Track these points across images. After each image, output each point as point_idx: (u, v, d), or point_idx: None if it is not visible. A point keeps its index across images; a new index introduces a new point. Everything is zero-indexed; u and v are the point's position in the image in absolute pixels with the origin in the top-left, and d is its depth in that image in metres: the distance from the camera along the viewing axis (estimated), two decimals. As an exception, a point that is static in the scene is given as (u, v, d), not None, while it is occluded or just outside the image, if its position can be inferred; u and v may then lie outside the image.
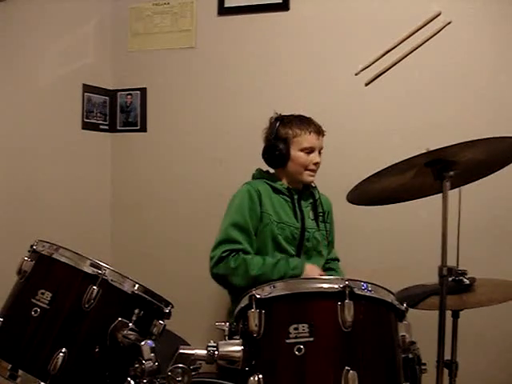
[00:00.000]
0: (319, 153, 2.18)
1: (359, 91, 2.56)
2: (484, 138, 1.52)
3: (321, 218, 2.24)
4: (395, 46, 2.51)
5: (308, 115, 2.21)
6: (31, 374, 1.32)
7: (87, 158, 2.85)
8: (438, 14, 2.46)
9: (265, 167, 2.24)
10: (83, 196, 2.82)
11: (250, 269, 1.98)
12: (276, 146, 2.14)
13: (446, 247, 1.58)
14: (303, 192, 2.22)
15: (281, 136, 2.15)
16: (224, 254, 2.02)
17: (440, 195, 1.61)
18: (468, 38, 2.46)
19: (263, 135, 2.21)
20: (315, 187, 2.26)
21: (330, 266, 2.29)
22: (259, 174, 2.25)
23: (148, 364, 1.32)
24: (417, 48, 2.48)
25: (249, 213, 2.08)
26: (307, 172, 2.15)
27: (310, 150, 2.14)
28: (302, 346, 1.23)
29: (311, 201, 2.23)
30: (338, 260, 2.36)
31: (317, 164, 2.16)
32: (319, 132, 2.17)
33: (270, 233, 2.09)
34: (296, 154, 2.14)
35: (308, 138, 2.14)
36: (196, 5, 2.82)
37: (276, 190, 2.17)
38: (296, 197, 2.19)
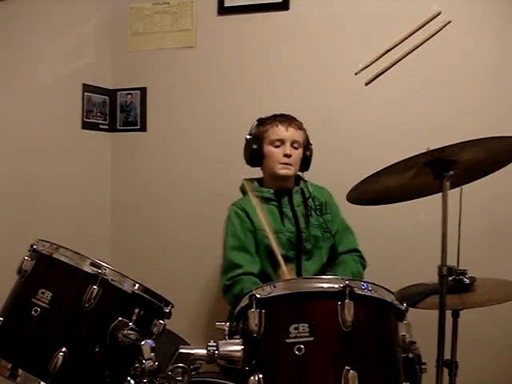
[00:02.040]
0: (294, 146, 2.14)
1: (359, 90, 2.56)
2: (483, 137, 1.52)
3: (318, 211, 2.20)
4: (395, 46, 2.51)
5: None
6: (31, 374, 1.32)
7: (87, 158, 2.85)
8: (438, 14, 2.46)
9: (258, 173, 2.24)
10: (83, 195, 2.81)
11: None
12: (250, 145, 2.16)
13: (446, 247, 1.58)
14: (292, 191, 2.20)
15: (255, 135, 2.17)
16: (228, 283, 2.06)
17: (440, 195, 1.61)
18: (468, 38, 2.46)
19: None
20: (306, 182, 2.24)
21: (340, 260, 2.21)
22: (244, 187, 2.20)
23: (148, 363, 1.32)
24: (417, 47, 2.48)
25: (243, 232, 2.11)
26: (280, 165, 2.13)
27: (279, 143, 2.13)
28: (302, 346, 1.23)
29: (302, 199, 2.20)
30: (354, 251, 2.25)
31: (288, 156, 2.11)
32: (288, 123, 2.13)
33: (264, 247, 2.09)
34: (267, 148, 2.14)
35: (275, 130, 2.13)
36: (196, 4, 2.81)
37: (263, 199, 2.16)
38: (286, 198, 2.18)
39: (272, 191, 2.17)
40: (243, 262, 2.07)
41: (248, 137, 2.19)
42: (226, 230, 2.15)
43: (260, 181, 2.25)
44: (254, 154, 2.16)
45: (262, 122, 2.19)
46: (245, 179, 2.23)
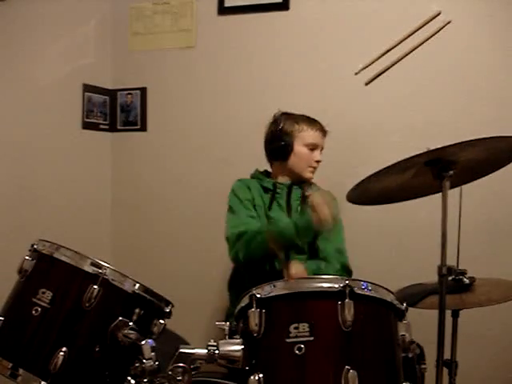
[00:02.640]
0: (320, 152, 2.21)
1: (359, 90, 2.56)
2: (483, 137, 1.52)
3: None
4: (395, 46, 2.51)
5: (308, 114, 2.22)
6: (32, 373, 1.32)
7: (87, 158, 2.85)
8: (438, 14, 2.47)
9: (263, 167, 2.24)
10: (83, 195, 2.82)
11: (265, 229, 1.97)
12: (281, 138, 2.16)
13: (446, 246, 1.58)
14: (292, 186, 2.20)
15: (286, 130, 2.17)
16: (241, 231, 2.02)
17: (439, 195, 1.61)
18: (468, 38, 2.46)
19: (266, 129, 2.22)
20: (309, 183, 2.25)
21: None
22: (254, 174, 2.27)
23: (148, 363, 1.32)
24: (417, 47, 2.48)
25: (245, 199, 2.13)
26: (309, 169, 2.18)
27: (313, 147, 2.17)
28: (302, 346, 1.23)
29: (300, 195, 2.20)
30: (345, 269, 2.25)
31: (318, 162, 2.19)
32: (324, 131, 2.21)
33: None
34: (299, 148, 2.16)
35: (313, 135, 2.18)
36: (196, 4, 2.81)
37: (265, 189, 2.19)
38: (285, 191, 2.19)
39: (272, 182, 2.19)
40: (251, 222, 2.07)
41: (276, 128, 2.17)
42: (230, 202, 2.16)
43: (269, 173, 2.27)
44: (284, 147, 2.15)
45: (294, 118, 2.19)
46: (256, 169, 2.27)
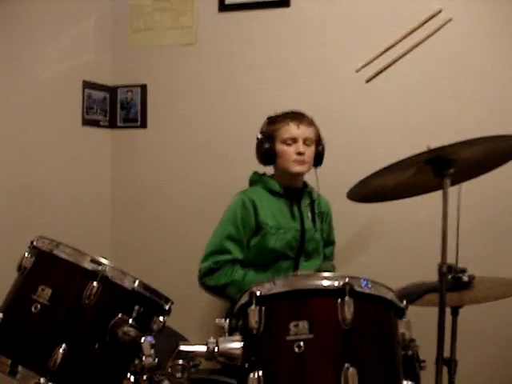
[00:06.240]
0: (306, 143, 2.12)
1: (360, 88, 2.55)
2: (483, 136, 1.52)
3: (319, 218, 2.23)
4: (396, 43, 2.50)
5: (308, 112, 2.21)
6: (31, 370, 1.32)
7: (87, 155, 2.85)
8: (439, 12, 2.46)
9: (263, 168, 2.24)
10: (83, 192, 2.81)
11: (244, 287, 1.97)
12: (262, 144, 2.14)
13: (446, 245, 1.58)
14: (301, 192, 2.21)
15: (267, 134, 2.15)
16: (214, 266, 2.06)
17: (439, 193, 1.61)
18: (468, 36, 2.46)
19: None
20: (313, 189, 2.26)
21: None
22: (255, 177, 2.24)
23: (148, 360, 1.32)
24: (417, 45, 2.48)
25: (241, 223, 2.09)
26: (293, 163, 2.11)
27: (291, 141, 2.11)
28: (301, 343, 1.23)
29: (309, 201, 2.22)
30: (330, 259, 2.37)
31: (301, 154, 2.10)
32: (299, 121, 2.12)
33: (266, 244, 2.09)
34: (279, 147, 2.12)
35: (286, 129, 2.12)
36: (196, 1, 2.81)
37: (274, 193, 2.16)
38: (295, 197, 2.18)
39: (282, 186, 2.17)
40: (232, 249, 2.07)
41: (259, 136, 2.17)
42: (225, 214, 2.13)
43: (269, 177, 2.24)
44: (267, 152, 2.14)
45: (272, 120, 2.18)
46: (255, 172, 2.24)
